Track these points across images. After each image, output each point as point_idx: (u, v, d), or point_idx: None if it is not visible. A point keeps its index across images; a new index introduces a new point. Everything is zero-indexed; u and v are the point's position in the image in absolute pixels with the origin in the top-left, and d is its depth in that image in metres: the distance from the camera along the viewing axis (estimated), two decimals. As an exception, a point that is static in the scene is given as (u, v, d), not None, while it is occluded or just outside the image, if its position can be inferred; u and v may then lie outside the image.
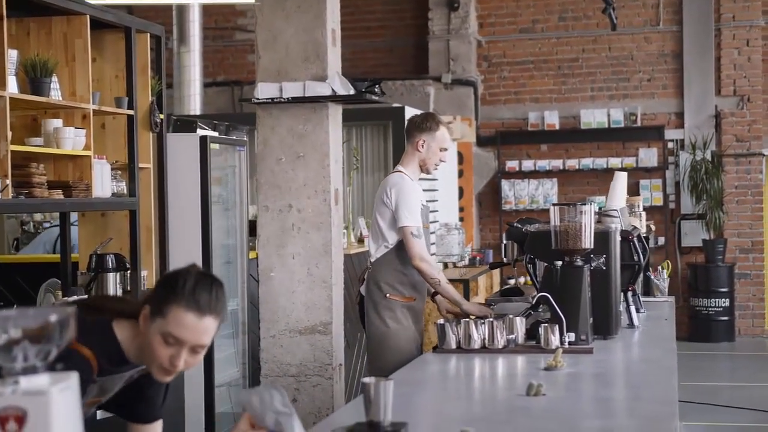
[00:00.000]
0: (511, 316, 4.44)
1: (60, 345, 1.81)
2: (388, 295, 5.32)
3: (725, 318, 12.50)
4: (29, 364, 1.80)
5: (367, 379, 2.78)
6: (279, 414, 2.50)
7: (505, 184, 13.18)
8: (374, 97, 5.82)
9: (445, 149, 5.50)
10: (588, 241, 4.46)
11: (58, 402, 1.77)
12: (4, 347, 1.77)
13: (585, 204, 4.50)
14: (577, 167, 13.02)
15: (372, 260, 5.42)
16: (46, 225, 9.02)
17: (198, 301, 2.62)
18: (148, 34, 6.11)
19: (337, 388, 5.70)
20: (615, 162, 12.83)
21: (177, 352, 2.63)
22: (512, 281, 10.75)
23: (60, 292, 5.73)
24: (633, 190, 12.57)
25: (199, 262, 6.46)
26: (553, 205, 4.53)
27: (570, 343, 4.31)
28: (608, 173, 11.63)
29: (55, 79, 5.19)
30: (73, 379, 1.82)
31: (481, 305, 5.35)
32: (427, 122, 5.46)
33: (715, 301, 12.45)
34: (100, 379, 2.75)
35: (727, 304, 12.49)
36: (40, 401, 1.75)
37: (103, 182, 5.54)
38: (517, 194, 13.17)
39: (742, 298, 12.81)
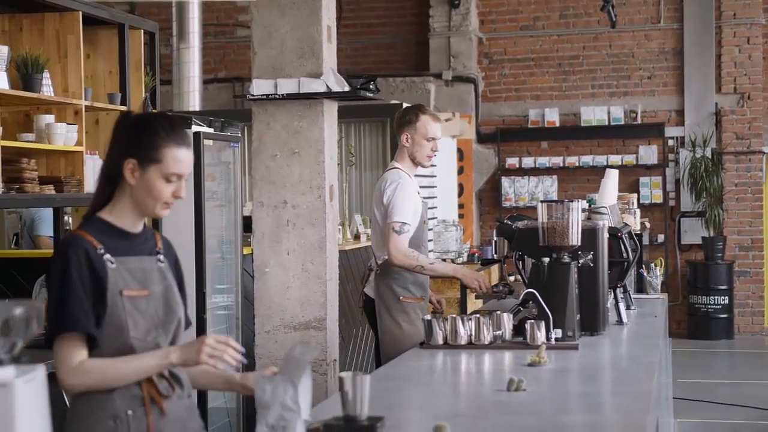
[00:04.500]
0: (498, 312, 4.46)
1: (25, 338, 1.83)
2: (401, 297, 5.31)
3: (724, 315, 12.51)
4: (-6, 356, 1.82)
5: (343, 374, 2.81)
6: (285, 409, 2.52)
7: (505, 181, 13.19)
8: (369, 94, 5.82)
9: (432, 138, 5.41)
10: (575, 238, 4.46)
11: (22, 394, 1.79)
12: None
13: (573, 201, 4.51)
14: (577, 164, 13.03)
15: (379, 262, 5.37)
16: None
17: (180, 136, 2.93)
18: (142, 31, 6.13)
19: (332, 384, 5.71)
20: (615, 159, 12.84)
21: (178, 186, 2.92)
22: (512, 278, 10.74)
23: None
24: (633, 188, 12.59)
25: (193, 258, 6.50)
26: (541, 201, 4.54)
27: (557, 339, 4.32)
28: (608, 170, 11.67)
29: (47, 75, 5.22)
30: (39, 371, 1.84)
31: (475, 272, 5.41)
32: (406, 116, 5.43)
33: (715, 299, 12.46)
34: (117, 259, 2.89)
35: (727, 301, 12.49)
36: (4, 393, 1.77)
37: (96, 177, 5.56)
38: (517, 191, 13.18)
39: (742, 295, 12.81)
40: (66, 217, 6.81)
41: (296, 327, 5.67)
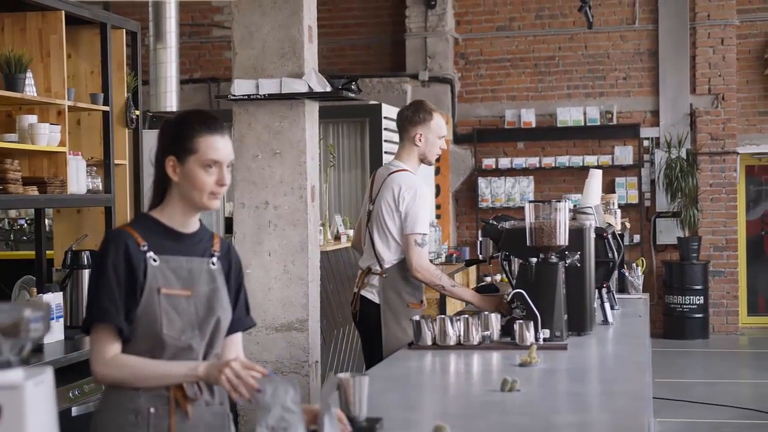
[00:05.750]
0: (486, 312, 4.46)
1: (34, 340, 1.81)
2: (410, 304, 5.13)
3: (699, 315, 12.60)
4: (3, 358, 1.80)
5: (342, 375, 2.80)
6: (286, 411, 2.50)
7: (482, 182, 13.22)
8: (350, 95, 5.81)
9: (443, 136, 5.22)
10: (563, 238, 4.48)
11: (32, 396, 1.77)
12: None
13: (560, 201, 4.52)
14: (553, 165, 13.08)
15: (387, 266, 5.11)
16: (21, 222, 9.00)
17: (212, 126, 2.98)
18: (124, 30, 6.09)
19: (314, 386, 5.70)
20: (591, 160, 12.90)
21: (219, 173, 2.96)
22: (488, 278, 10.79)
23: (35, 289, 5.70)
24: (609, 188, 12.64)
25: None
26: (529, 202, 4.55)
27: (545, 339, 4.33)
28: (584, 171, 11.66)
29: (29, 74, 5.17)
30: (47, 373, 1.82)
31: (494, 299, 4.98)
32: (419, 114, 5.16)
33: (690, 299, 12.54)
34: (162, 258, 2.93)
35: (702, 301, 12.58)
36: (14, 395, 1.75)
37: (79, 178, 5.52)
38: (494, 192, 13.21)
39: (716, 295, 12.90)
40: (47, 220, 6.76)
41: (278, 328, 5.66)
